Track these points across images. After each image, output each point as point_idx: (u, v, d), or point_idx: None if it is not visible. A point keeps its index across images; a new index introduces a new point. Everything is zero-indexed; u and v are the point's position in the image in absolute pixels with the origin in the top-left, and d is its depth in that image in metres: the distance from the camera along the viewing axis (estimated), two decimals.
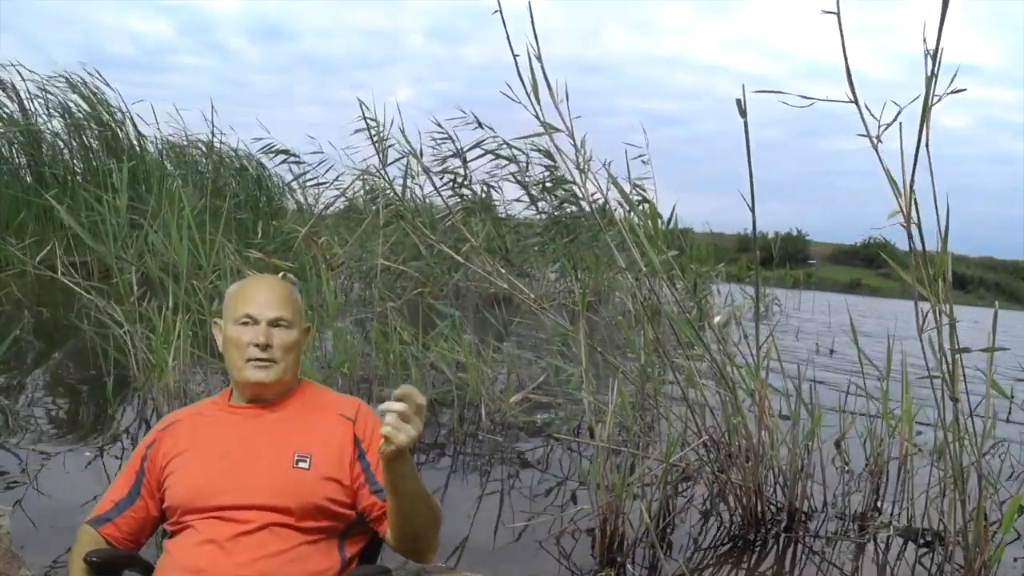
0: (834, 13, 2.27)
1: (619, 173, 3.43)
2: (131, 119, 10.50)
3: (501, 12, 2.92)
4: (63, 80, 10.20)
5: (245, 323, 1.54)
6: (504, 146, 7.40)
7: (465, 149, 7.37)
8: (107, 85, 10.44)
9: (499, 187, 8.85)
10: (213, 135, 11.00)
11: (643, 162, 3.70)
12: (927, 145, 2.17)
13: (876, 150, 2.28)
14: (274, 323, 1.55)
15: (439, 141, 7.91)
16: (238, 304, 1.57)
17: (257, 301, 1.56)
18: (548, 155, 7.25)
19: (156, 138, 11.12)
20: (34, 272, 7.65)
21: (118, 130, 10.45)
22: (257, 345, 1.51)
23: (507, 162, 7.76)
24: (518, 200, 8.93)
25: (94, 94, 10.34)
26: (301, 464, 1.48)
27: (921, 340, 2.33)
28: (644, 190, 3.48)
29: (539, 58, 2.95)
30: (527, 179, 8.25)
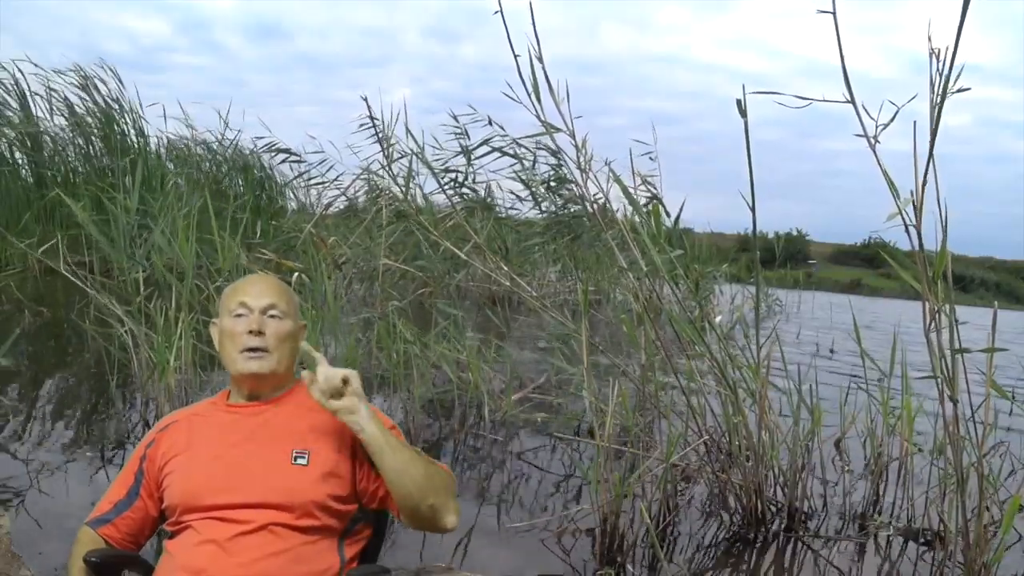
0: (830, 13, 2.27)
1: (622, 172, 3.43)
2: (139, 118, 10.50)
3: (502, 12, 2.92)
4: (73, 74, 10.17)
5: (240, 315, 1.57)
6: (512, 144, 7.36)
7: (472, 147, 7.33)
8: (119, 83, 10.42)
9: (500, 187, 8.86)
10: (222, 134, 11.01)
11: (651, 159, 3.68)
12: (932, 146, 2.17)
13: (874, 150, 2.28)
14: (267, 312, 1.58)
15: (447, 140, 7.87)
16: (233, 298, 1.60)
17: (251, 292, 1.60)
18: (553, 153, 7.22)
19: (160, 136, 11.13)
20: (37, 271, 7.69)
21: (128, 129, 10.44)
22: (251, 332, 1.54)
23: (514, 160, 7.72)
24: (522, 199, 8.93)
25: (109, 91, 10.33)
26: (299, 461, 1.48)
27: (928, 341, 2.33)
28: (652, 186, 3.46)
29: (540, 58, 2.96)
30: (532, 178, 8.22)
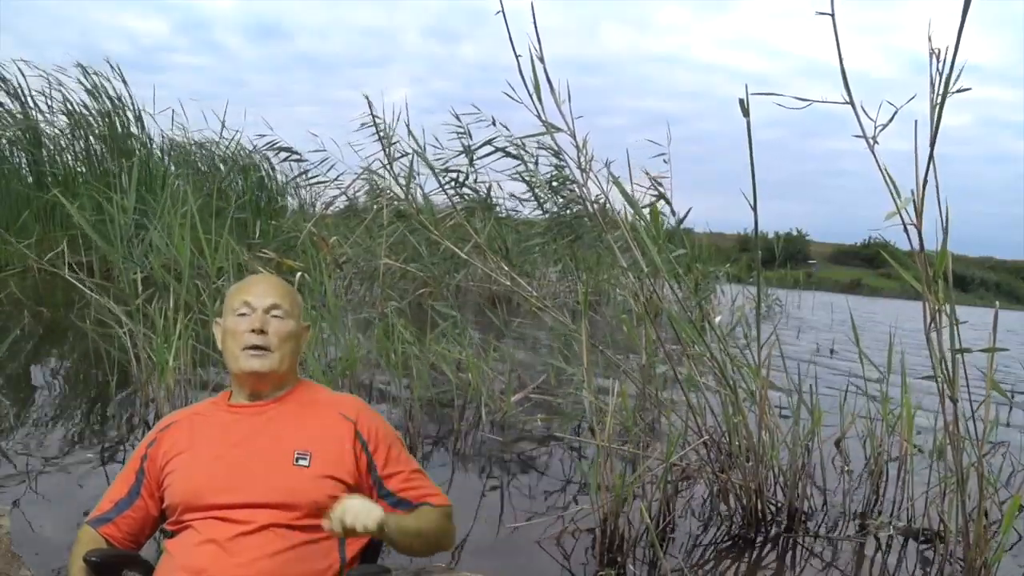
0: (828, 14, 2.27)
1: (621, 173, 3.42)
2: (142, 113, 10.50)
3: (504, 12, 2.92)
4: (78, 69, 10.14)
5: (243, 313, 1.58)
6: (513, 145, 7.33)
7: (475, 147, 7.31)
8: (123, 80, 10.40)
9: (501, 187, 8.84)
10: (219, 135, 11.00)
11: (664, 162, 3.62)
12: (933, 144, 2.17)
13: (872, 151, 2.28)
14: (270, 312, 1.59)
15: (448, 139, 7.85)
16: (237, 297, 1.61)
17: (254, 292, 1.61)
18: (555, 154, 7.21)
19: (163, 137, 11.12)
20: (38, 272, 7.69)
21: (131, 129, 10.42)
22: (253, 331, 1.54)
23: (517, 161, 7.69)
24: (522, 201, 8.91)
25: (113, 89, 10.31)
26: (301, 462, 1.48)
27: (929, 340, 2.33)
28: (660, 185, 3.42)
29: (541, 58, 2.96)
30: (534, 177, 8.20)
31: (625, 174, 3.41)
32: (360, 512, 1.33)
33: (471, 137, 7.37)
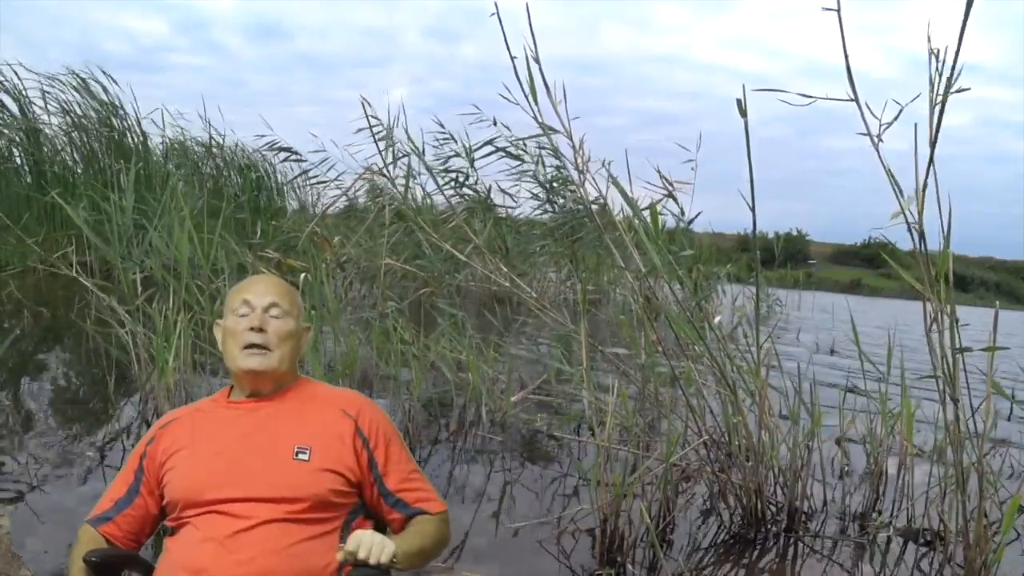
0: (834, 10, 2.27)
1: (623, 173, 3.40)
2: (138, 120, 10.49)
3: (499, 14, 2.91)
4: (71, 76, 10.13)
5: (242, 313, 1.59)
6: (513, 145, 7.34)
7: (475, 147, 7.32)
8: (115, 84, 10.40)
9: (500, 187, 8.85)
10: (216, 134, 11.02)
11: (692, 169, 3.56)
12: (933, 144, 2.17)
13: (877, 149, 2.28)
14: (269, 310, 1.59)
15: (441, 141, 7.90)
16: (236, 297, 1.62)
17: (253, 291, 1.62)
18: (556, 154, 7.22)
19: (162, 138, 11.12)
20: (41, 271, 7.70)
21: (127, 132, 10.41)
22: (252, 329, 1.54)
23: (519, 162, 7.70)
24: (517, 202, 8.93)
25: (105, 92, 10.31)
26: (301, 456, 1.49)
27: (929, 340, 2.32)
28: (671, 185, 3.38)
29: (537, 60, 2.95)
30: (531, 174, 8.20)
31: (629, 174, 3.39)
32: (374, 547, 1.37)
33: (455, 141, 7.43)
